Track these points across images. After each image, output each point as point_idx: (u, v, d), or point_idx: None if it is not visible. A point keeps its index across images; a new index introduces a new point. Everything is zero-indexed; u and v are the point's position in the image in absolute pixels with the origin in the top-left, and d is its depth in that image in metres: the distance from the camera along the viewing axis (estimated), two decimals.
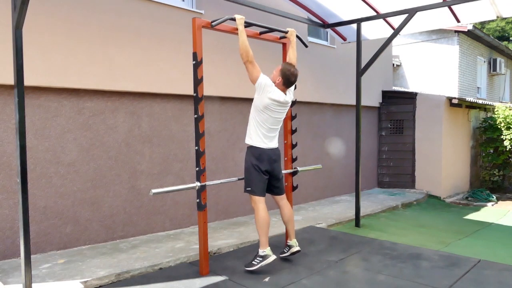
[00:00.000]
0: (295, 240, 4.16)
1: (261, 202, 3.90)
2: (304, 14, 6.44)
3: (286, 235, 4.32)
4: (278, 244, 4.87)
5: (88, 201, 4.76)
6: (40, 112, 4.40)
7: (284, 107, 3.92)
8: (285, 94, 3.90)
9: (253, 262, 3.85)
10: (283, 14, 5.77)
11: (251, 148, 3.94)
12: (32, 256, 3.81)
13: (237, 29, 3.86)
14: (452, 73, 12.68)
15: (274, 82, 3.86)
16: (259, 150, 3.88)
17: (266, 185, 3.97)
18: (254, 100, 3.88)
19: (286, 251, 4.19)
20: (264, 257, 3.81)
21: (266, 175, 3.94)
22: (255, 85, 3.79)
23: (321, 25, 6.53)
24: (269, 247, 3.87)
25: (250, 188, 3.92)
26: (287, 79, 3.85)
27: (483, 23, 25.53)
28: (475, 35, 12.98)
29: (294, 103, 4.65)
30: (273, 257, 3.83)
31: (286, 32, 4.34)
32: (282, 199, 4.17)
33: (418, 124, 9.38)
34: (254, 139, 3.90)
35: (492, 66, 14.91)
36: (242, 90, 6.16)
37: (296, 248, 4.11)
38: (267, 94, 3.75)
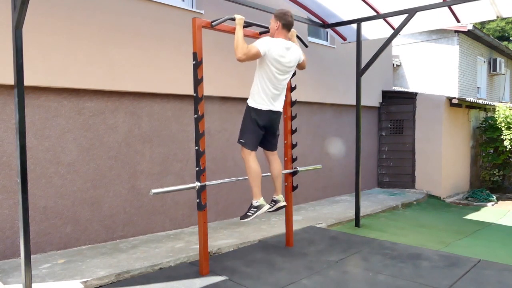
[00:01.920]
0: (281, 195, 4.11)
1: (251, 155, 3.90)
2: (304, 14, 6.44)
3: (275, 190, 4.18)
4: (278, 244, 4.88)
5: (88, 201, 4.76)
6: (40, 112, 4.40)
7: (289, 65, 3.85)
8: (288, 39, 3.88)
9: (248, 213, 3.86)
10: None
11: (253, 108, 3.88)
12: (32, 256, 3.81)
13: None
14: (452, 73, 12.67)
15: (274, 32, 3.89)
16: (260, 110, 3.85)
17: (259, 140, 3.97)
18: (258, 61, 3.83)
19: (272, 206, 4.08)
20: (258, 207, 3.83)
21: (263, 130, 3.93)
22: (262, 54, 3.70)
23: (321, 25, 6.53)
24: (262, 198, 3.88)
25: (243, 140, 3.92)
26: (285, 20, 3.85)
27: (483, 23, 25.52)
28: (475, 35, 12.98)
29: (294, 103, 4.66)
30: (266, 206, 3.86)
31: None
32: (274, 154, 4.16)
33: (418, 124, 9.38)
34: (257, 101, 3.84)
35: (492, 66, 14.90)
36: (242, 90, 6.15)
37: (282, 203, 4.05)
38: (272, 49, 3.70)
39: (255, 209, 3.84)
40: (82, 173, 4.71)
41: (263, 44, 3.70)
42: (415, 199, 8.48)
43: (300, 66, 4.11)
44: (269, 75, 3.77)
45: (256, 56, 3.69)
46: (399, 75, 13.64)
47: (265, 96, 3.82)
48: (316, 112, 7.90)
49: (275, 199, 4.11)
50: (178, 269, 4.09)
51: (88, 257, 4.30)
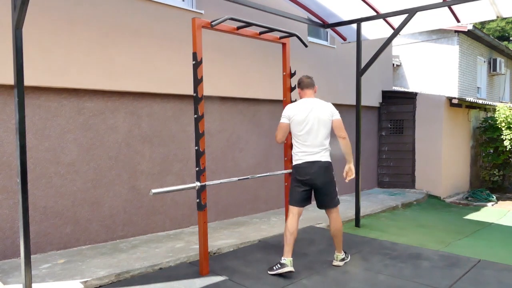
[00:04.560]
0: (337, 254, 4.16)
1: (292, 212, 3.96)
2: (304, 14, 6.44)
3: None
4: (276, 243, 4.87)
5: (88, 201, 4.76)
6: (40, 112, 4.40)
7: (312, 120, 3.96)
8: (313, 96, 4.18)
9: (274, 267, 3.87)
10: (283, 14, 5.76)
11: (293, 165, 4.09)
12: (32, 256, 3.81)
13: (236, 28, 3.87)
14: (452, 73, 12.67)
15: (300, 95, 4.23)
16: (297, 166, 4.00)
17: (303, 196, 3.97)
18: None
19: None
20: (282, 265, 3.81)
21: (305, 186, 3.95)
22: (289, 121, 4.03)
23: (321, 25, 6.53)
24: (291, 258, 3.83)
25: (289, 198, 4.07)
26: (299, 83, 4.23)
27: (483, 23, 25.51)
28: (475, 35, 12.97)
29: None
30: (288, 268, 3.77)
31: (286, 33, 4.35)
32: (331, 212, 4.07)
33: (418, 124, 9.38)
34: (294, 158, 4.06)
35: (492, 66, 14.90)
36: (242, 90, 6.16)
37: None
38: (290, 113, 4.03)
39: (279, 266, 3.83)
40: (82, 173, 4.71)
41: (284, 113, 4.09)
42: (415, 199, 8.48)
43: (333, 125, 4.08)
44: (297, 135, 4.00)
45: (286, 127, 4.05)
46: (399, 75, 13.64)
47: (300, 152, 3.99)
48: None
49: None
50: (178, 269, 4.09)
51: (88, 257, 4.30)
